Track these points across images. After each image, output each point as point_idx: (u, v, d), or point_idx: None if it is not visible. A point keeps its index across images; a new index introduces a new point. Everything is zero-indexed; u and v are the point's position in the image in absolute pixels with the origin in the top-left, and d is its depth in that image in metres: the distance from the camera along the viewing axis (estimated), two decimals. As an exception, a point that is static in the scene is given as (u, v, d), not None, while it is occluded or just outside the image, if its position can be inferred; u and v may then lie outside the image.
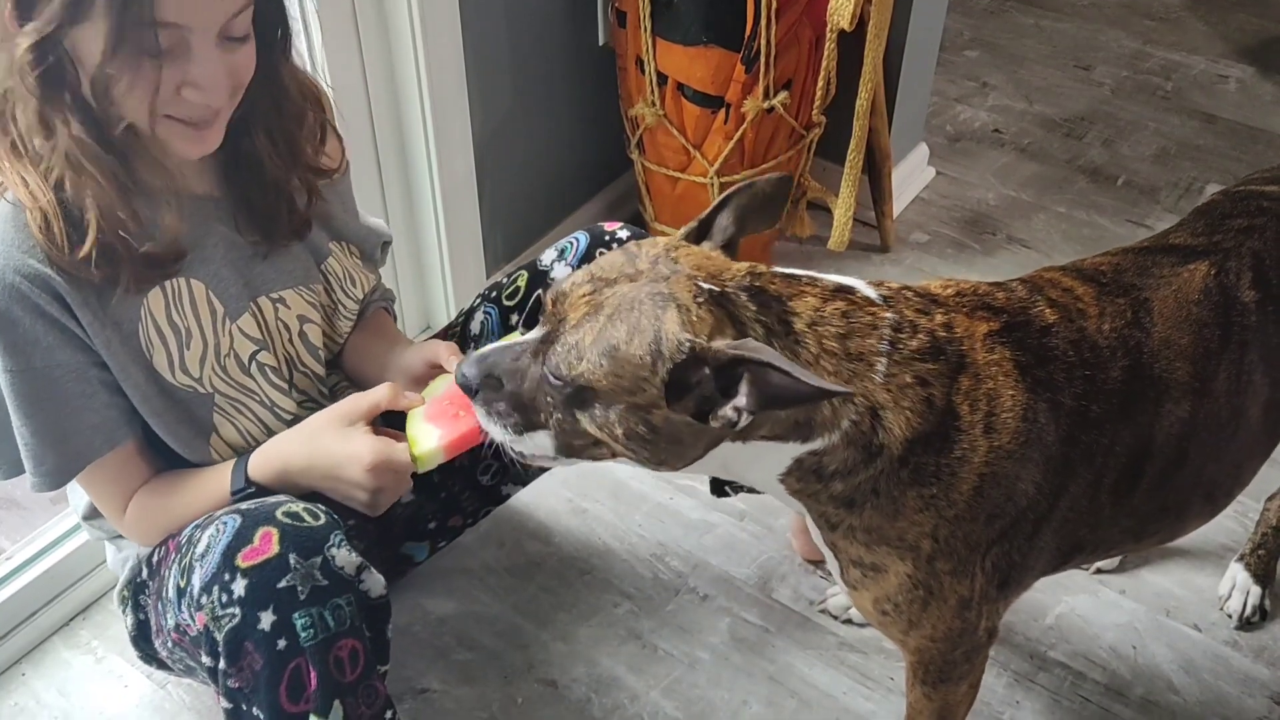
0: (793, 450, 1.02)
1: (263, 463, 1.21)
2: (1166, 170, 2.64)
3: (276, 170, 1.23)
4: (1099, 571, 1.71)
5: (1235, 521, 1.77)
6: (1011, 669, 1.59)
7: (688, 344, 0.92)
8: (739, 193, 1.05)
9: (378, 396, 1.20)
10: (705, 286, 0.95)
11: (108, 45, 1.01)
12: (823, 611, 1.67)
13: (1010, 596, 1.18)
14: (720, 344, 0.92)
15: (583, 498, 1.85)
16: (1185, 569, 1.72)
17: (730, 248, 1.05)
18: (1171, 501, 1.21)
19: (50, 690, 1.60)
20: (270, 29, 1.15)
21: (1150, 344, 1.13)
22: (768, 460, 1.04)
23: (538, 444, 1.04)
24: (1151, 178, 2.61)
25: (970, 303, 1.09)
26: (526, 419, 1.02)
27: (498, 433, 1.05)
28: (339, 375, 1.44)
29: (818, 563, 1.73)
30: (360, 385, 1.40)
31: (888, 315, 1.02)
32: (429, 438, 1.15)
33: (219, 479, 1.22)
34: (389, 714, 1.16)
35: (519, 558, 1.76)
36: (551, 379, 0.98)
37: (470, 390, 1.05)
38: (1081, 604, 1.68)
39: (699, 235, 1.05)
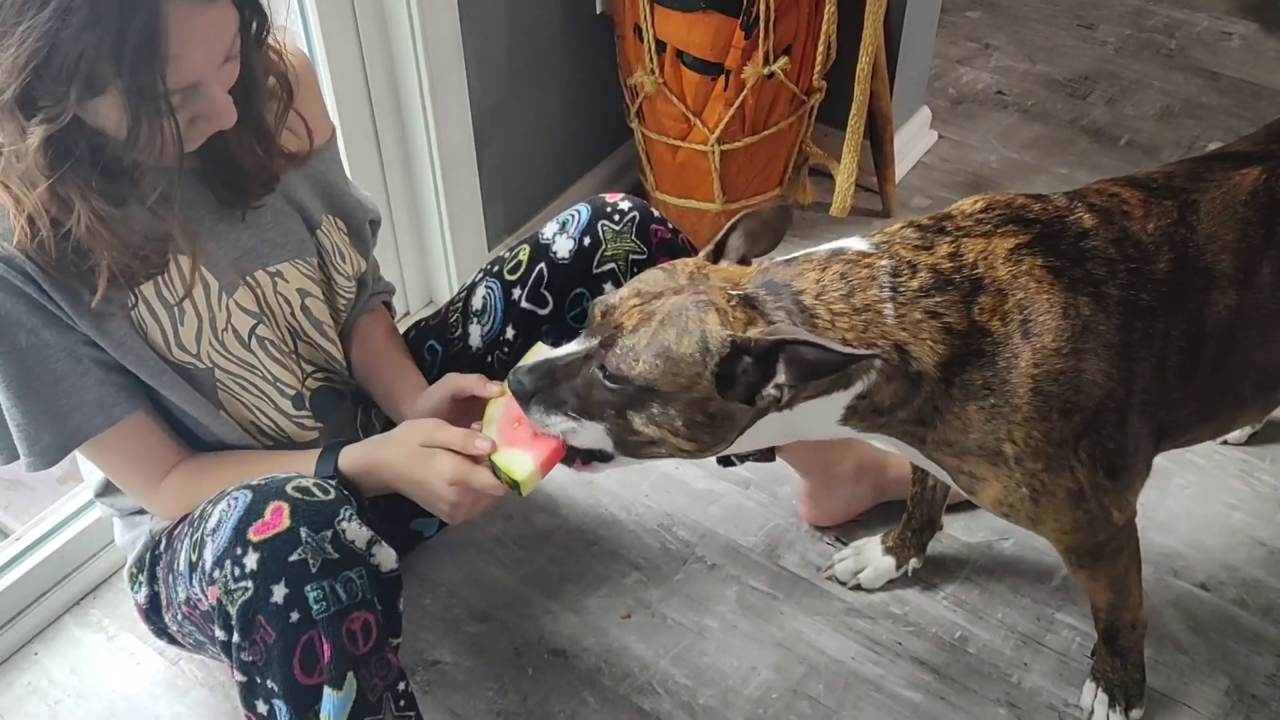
0: (841, 400, 1.12)
1: (357, 457, 1.23)
2: (1170, 129, 2.62)
3: (245, 156, 1.21)
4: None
5: (1241, 481, 1.77)
6: (1019, 631, 1.60)
7: (728, 338, 1.05)
8: (746, 218, 1.17)
9: (455, 445, 1.19)
10: (733, 292, 1.09)
11: (129, 123, 1.00)
12: (830, 578, 1.67)
13: (1131, 482, 1.25)
14: (755, 333, 1.06)
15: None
16: (1192, 529, 1.72)
17: (744, 264, 1.16)
18: (1229, 385, 1.27)
19: (63, 669, 1.61)
20: (247, 28, 1.12)
21: (1196, 239, 1.20)
22: (823, 414, 1.14)
23: (595, 435, 1.12)
24: (1155, 137, 2.59)
25: (997, 218, 1.18)
26: (583, 412, 1.11)
27: (558, 426, 1.13)
28: None
29: (824, 529, 1.74)
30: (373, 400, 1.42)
31: (884, 263, 1.11)
32: (523, 464, 1.16)
33: (301, 466, 1.22)
34: (401, 685, 1.17)
35: (527, 530, 1.77)
36: (608, 382, 1.07)
37: (525, 396, 1.12)
38: (1088, 566, 1.68)
39: (716, 255, 1.17)
